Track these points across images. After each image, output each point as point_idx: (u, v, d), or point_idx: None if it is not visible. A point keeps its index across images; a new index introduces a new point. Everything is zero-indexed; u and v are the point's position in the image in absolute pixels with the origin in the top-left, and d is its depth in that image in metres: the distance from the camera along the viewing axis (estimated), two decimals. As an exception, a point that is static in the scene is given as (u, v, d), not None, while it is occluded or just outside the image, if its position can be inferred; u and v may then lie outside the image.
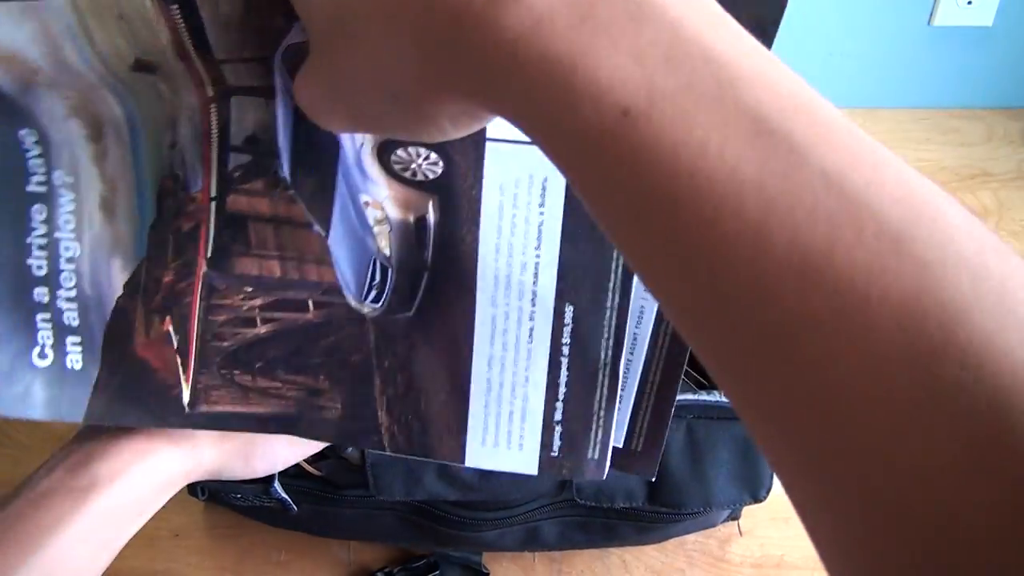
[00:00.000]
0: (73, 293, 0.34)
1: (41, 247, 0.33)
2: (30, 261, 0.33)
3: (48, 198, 0.32)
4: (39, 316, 0.34)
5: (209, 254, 0.33)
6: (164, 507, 0.61)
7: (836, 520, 0.17)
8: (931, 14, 0.85)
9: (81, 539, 0.33)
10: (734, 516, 0.57)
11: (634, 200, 0.18)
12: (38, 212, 0.33)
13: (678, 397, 0.43)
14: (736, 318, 0.17)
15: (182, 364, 0.35)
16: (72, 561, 0.33)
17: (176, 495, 0.60)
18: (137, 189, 0.33)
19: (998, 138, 0.90)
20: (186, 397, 0.36)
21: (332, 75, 0.22)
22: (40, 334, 0.35)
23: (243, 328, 0.35)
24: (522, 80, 0.18)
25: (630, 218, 0.18)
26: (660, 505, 0.47)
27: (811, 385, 0.16)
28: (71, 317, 0.34)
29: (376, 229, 0.33)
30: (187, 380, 0.35)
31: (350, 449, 0.43)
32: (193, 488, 0.54)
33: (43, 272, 0.34)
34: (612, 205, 0.18)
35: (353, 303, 0.34)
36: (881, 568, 0.16)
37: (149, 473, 0.35)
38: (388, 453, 0.37)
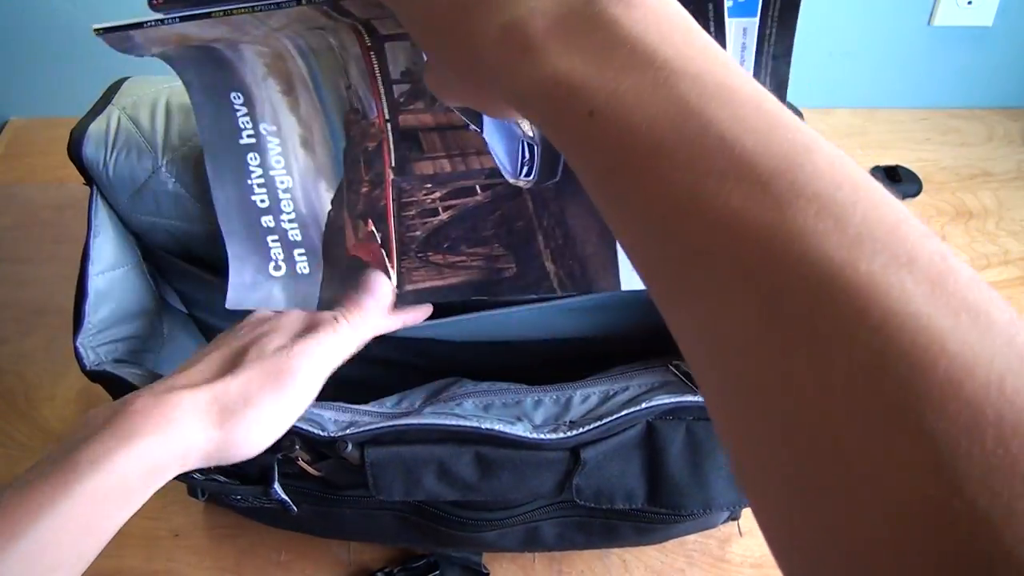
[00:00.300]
0: (292, 216, 0.43)
1: (260, 185, 0.42)
2: (253, 197, 0.42)
3: (258, 147, 0.41)
4: (269, 238, 0.44)
5: (393, 164, 0.42)
6: (164, 507, 0.61)
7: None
8: (931, 14, 0.85)
9: (62, 526, 0.33)
10: (734, 516, 0.57)
11: (594, 169, 0.24)
12: (252, 159, 0.41)
13: (678, 399, 0.43)
14: (651, 248, 0.22)
15: (387, 255, 0.44)
16: (55, 547, 0.33)
17: (176, 495, 0.60)
18: (329, 126, 0.41)
19: (998, 138, 0.90)
20: (394, 280, 0.44)
21: (441, 77, 0.31)
22: (272, 251, 0.44)
23: (429, 217, 0.43)
24: (531, 90, 0.25)
25: (591, 180, 0.24)
26: (660, 507, 0.47)
27: (695, 299, 0.21)
28: (294, 234, 0.44)
29: (518, 118, 0.40)
30: (392, 267, 0.44)
31: (349, 448, 0.43)
32: (193, 489, 0.54)
33: (266, 204, 0.43)
34: (582, 171, 0.24)
35: (511, 180, 0.42)
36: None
37: (132, 458, 0.35)
38: (560, 295, 0.44)
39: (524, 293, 0.45)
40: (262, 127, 0.40)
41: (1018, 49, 0.88)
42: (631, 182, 0.22)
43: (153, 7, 0.35)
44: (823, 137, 0.21)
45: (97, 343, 0.45)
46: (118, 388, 0.45)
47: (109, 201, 0.47)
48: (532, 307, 0.47)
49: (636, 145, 0.22)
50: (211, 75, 0.40)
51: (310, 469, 0.45)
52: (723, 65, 0.23)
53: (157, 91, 0.48)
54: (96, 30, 0.35)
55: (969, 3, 0.84)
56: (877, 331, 0.16)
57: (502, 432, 0.42)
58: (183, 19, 0.35)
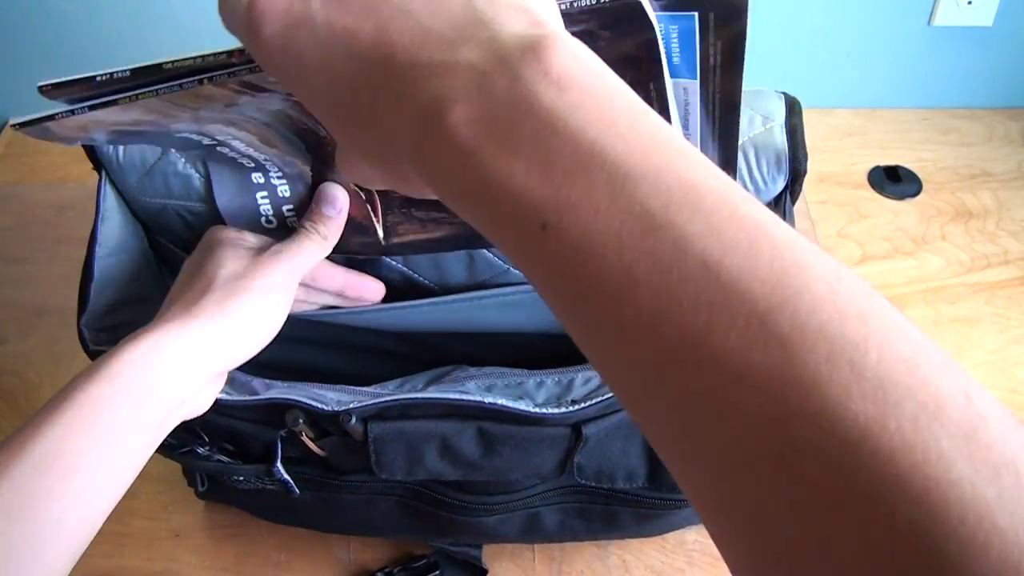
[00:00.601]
0: (279, 173, 0.44)
1: (241, 155, 0.42)
2: (240, 160, 0.43)
3: (223, 144, 0.41)
4: (259, 194, 0.45)
5: None
6: (164, 507, 0.61)
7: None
8: (931, 14, 0.85)
9: (68, 431, 0.34)
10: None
11: (559, 294, 0.21)
12: (222, 149, 0.42)
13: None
14: (639, 393, 0.20)
15: (372, 210, 0.45)
16: (69, 452, 0.33)
17: (176, 495, 0.60)
18: (282, 136, 0.41)
19: (998, 138, 0.90)
20: (380, 234, 0.46)
21: (353, 162, 0.28)
22: (262, 207, 0.46)
23: None
24: (466, 198, 0.22)
25: (558, 307, 0.21)
26: (660, 487, 0.48)
27: (699, 452, 0.19)
28: (283, 190, 0.45)
29: None
30: (378, 221, 0.45)
31: (352, 421, 0.43)
32: (193, 476, 0.54)
33: (251, 164, 0.43)
34: (545, 293, 0.22)
35: None
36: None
37: (134, 358, 0.36)
38: None
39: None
40: (217, 136, 0.40)
41: (1018, 49, 0.88)
42: (605, 314, 0.20)
43: (42, 93, 0.34)
44: (797, 236, 0.19)
45: (101, 326, 0.46)
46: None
47: (118, 186, 0.48)
48: (519, 291, 0.47)
49: (605, 270, 0.19)
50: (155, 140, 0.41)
51: (313, 446, 0.45)
52: (680, 154, 0.20)
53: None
54: (14, 126, 0.35)
55: (969, 3, 0.84)
56: (919, 504, 0.15)
57: (505, 406, 0.43)
58: (92, 108, 0.33)
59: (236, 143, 0.41)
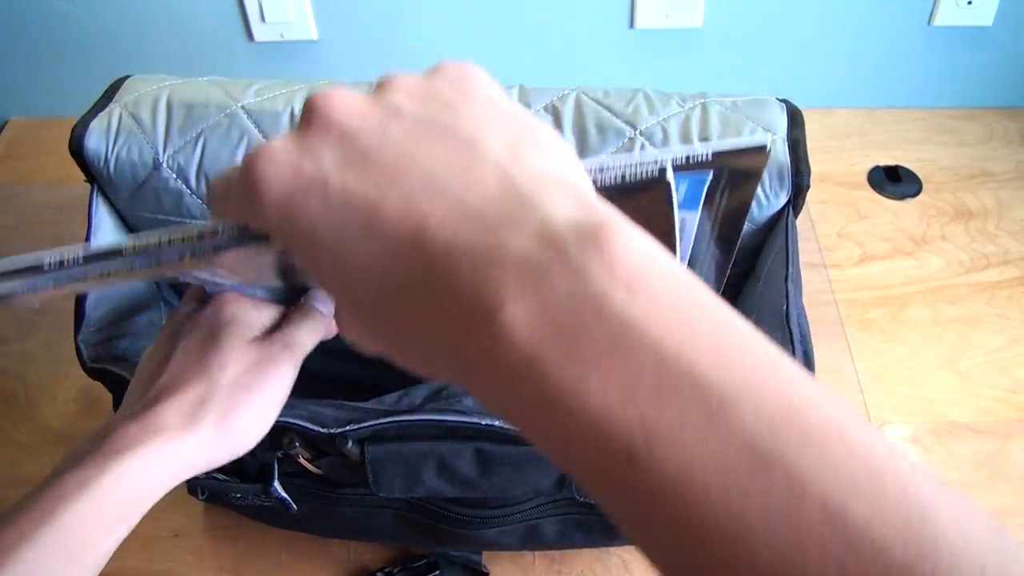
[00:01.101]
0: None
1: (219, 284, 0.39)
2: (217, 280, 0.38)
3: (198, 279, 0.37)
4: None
5: None
6: (164, 507, 0.61)
7: None
8: (931, 14, 0.85)
9: (47, 552, 0.32)
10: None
11: (650, 536, 0.18)
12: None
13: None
14: None
15: None
16: (47, 571, 0.32)
17: (176, 495, 0.60)
18: (264, 281, 0.37)
19: (998, 138, 0.90)
20: None
21: (360, 338, 0.24)
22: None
23: None
24: (527, 413, 0.19)
25: (650, 549, 0.18)
26: None
27: None
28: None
29: None
30: None
31: (349, 445, 0.43)
32: (193, 488, 0.54)
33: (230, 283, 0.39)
34: (633, 532, 0.19)
35: None
36: None
37: (122, 477, 0.34)
38: None
39: None
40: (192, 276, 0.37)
41: (1018, 49, 0.88)
42: (713, 565, 0.17)
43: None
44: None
45: (97, 340, 0.46)
46: (118, 385, 0.45)
47: (110, 199, 0.47)
48: None
49: (710, 514, 0.16)
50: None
51: (310, 467, 0.45)
52: (776, 368, 0.18)
53: (159, 88, 0.48)
54: None
55: (969, 3, 0.84)
56: None
57: (502, 428, 0.42)
58: (56, 286, 0.29)
59: (205, 276, 0.38)
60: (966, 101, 0.93)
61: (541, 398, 0.18)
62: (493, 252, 0.19)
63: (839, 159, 0.88)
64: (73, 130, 0.46)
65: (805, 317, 0.41)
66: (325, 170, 0.21)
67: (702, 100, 0.47)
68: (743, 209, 0.34)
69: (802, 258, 0.44)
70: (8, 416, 0.67)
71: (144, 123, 0.47)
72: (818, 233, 0.80)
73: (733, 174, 0.32)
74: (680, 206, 0.33)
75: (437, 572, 0.56)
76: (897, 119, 0.92)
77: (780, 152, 0.44)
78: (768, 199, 0.45)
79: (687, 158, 0.30)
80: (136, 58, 0.88)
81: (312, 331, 0.41)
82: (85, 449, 0.36)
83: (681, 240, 0.35)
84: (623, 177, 0.28)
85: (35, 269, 0.28)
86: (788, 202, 0.45)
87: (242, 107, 0.47)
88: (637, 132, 0.46)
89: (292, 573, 0.57)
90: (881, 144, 0.89)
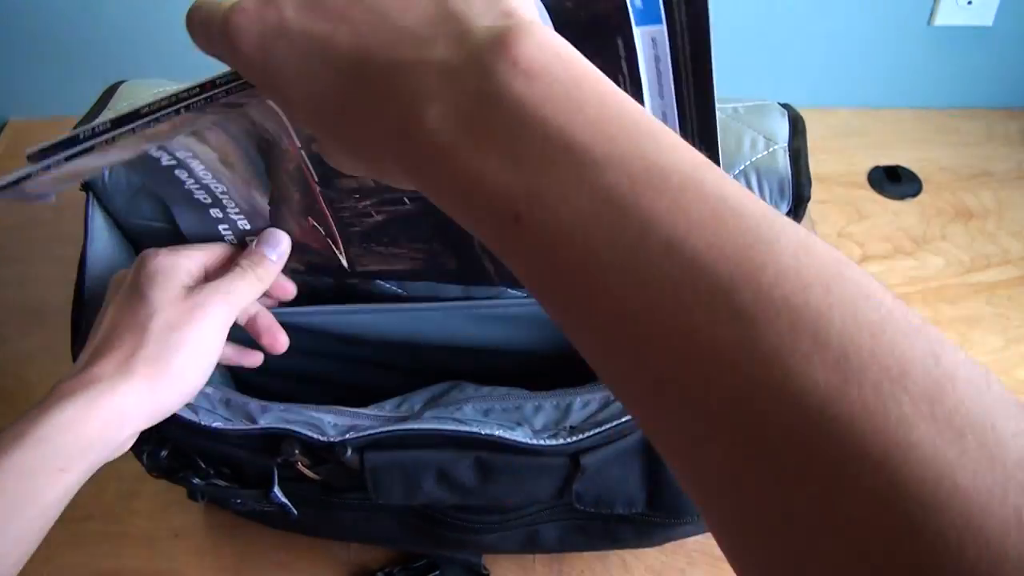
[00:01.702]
0: (236, 208, 0.44)
1: (198, 188, 0.43)
2: (196, 195, 0.43)
3: (180, 166, 0.41)
4: (220, 227, 0.45)
5: (317, 179, 0.42)
6: (164, 507, 0.61)
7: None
8: (931, 14, 0.85)
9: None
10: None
11: (538, 286, 0.21)
12: (181, 173, 0.42)
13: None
14: (622, 377, 0.20)
15: (333, 244, 0.45)
16: None
17: (176, 495, 0.60)
18: (242, 149, 0.41)
19: (998, 138, 0.90)
20: (345, 263, 0.47)
21: (334, 153, 0.29)
22: (225, 236, 0.46)
23: (364, 218, 0.43)
24: (445, 193, 0.23)
25: (540, 298, 0.22)
26: (660, 512, 0.47)
27: (673, 427, 0.19)
28: (243, 223, 0.45)
29: None
30: (341, 253, 0.46)
31: (349, 454, 0.43)
32: (192, 493, 0.54)
33: (208, 200, 0.44)
34: (528, 285, 0.22)
35: None
36: None
37: (59, 427, 0.35)
38: (499, 285, 0.47)
39: (466, 283, 0.47)
40: (177, 153, 0.40)
41: (1018, 49, 0.88)
42: (580, 301, 0.20)
43: (29, 158, 0.33)
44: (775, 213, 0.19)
45: None
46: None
47: (106, 206, 0.47)
48: (514, 303, 0.47)
49: (573, 256, 0.20)
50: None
51: (309, 473, 0.45)
52: (649, 136, 0.20)
53: (154, 95, 0.48)
54: None
55: (969, 3, 0.84)
56: (881, 467, 0.15)
57: (502, 438, 0.42)
58: (68, 159, 0.33)
59: (195, 164, 0.41)
60: (966, 101, 0.93)
61: (455, 179, 0.22)
62: (421, 64, 0.23)
63: (839, 159, 0.88)
64: None
65: None
66: (287, 17, 0.25)
67: None
68: (703, 14, 0.33)
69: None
70: (8, 416, 0.67)
71: None
72: (818, 233, 0.80)
73: None
74: (640, 21, 0.33)
75: (437, 572, 0.56)
76: (897, 119, 0.92)
77: (780, 162, 0.44)
78: None
79: None
80: (136, 59, 0.88)
81: (255, 280, 0.42)
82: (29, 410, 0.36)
83: (660, 60, 0.35)
84: None
85: (71, 140, 0.32)
86: (788, 213, 0.45)
87: None
88: None
89: (292, 573, 0.57)
90: (881, 144, 0.89)
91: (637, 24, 0.33)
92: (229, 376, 0.54)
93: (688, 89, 0.36)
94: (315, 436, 0.43)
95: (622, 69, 0.34)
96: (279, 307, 0.48)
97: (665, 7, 0.33)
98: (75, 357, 0.44)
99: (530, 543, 0.52)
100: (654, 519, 0.49)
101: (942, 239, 0.79)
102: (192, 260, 0.42)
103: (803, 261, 0.18)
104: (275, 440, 0.44)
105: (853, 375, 0.16)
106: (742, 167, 0.44)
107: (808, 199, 0.44)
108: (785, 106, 0.47)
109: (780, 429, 0.16)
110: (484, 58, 0.22)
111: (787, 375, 0.16)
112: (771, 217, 0.19)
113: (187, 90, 0.31)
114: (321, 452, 0.44)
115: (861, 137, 0.90)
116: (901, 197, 0.84)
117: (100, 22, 0.86)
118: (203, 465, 0.46)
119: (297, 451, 0.43)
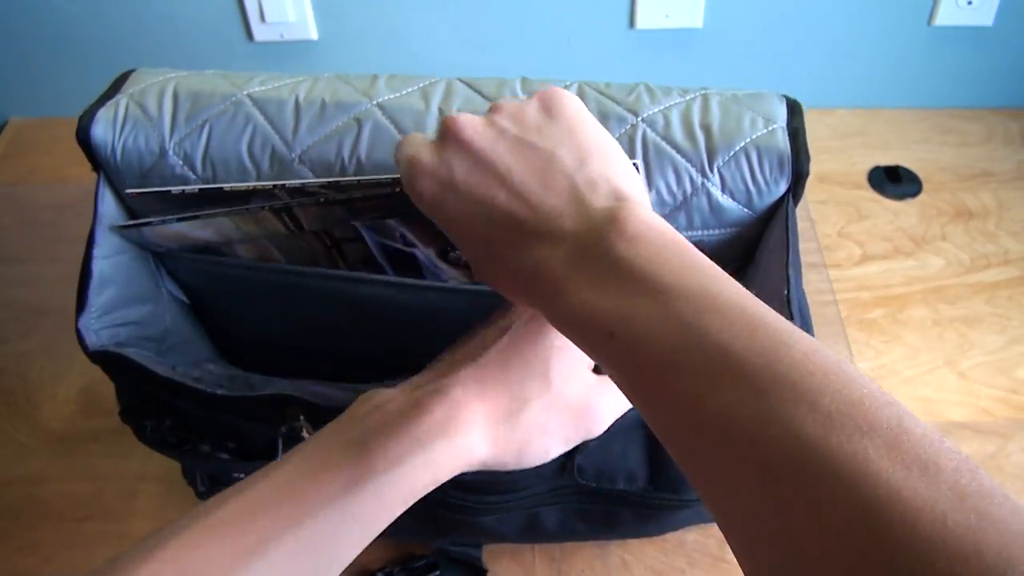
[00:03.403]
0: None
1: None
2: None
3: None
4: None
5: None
6: (164, 507, 0.61)
7: None
8: (931, 14, 0.85)
9: (349, 520, 0.34)
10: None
11: (627, 382, 0.29)
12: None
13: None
14: (679, 432, 0.27)
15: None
16: (335, 540, 0.34)
17: (176, 496, 0.60)
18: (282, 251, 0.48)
19: (998, 138, 0.90)
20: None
21: (483, 274, 0.36)
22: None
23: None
24: (559, 314, 0.31)
25: (629, 393, 0.29)
26: (661, 488, 0.48)
27: (716, 471, 0.25)
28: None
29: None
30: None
31: None
32: (193, 478, 0.54)
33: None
34: (620, 386, 0.30)
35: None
36: None
37: (427, 465, 0.35)
38: None
39: None
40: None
41: (1018, 49, 0.88)
42: (652, 390, 0.27)
43: (130, 198, 0.45)
44: (798, 331, 0.26)
45: (100, 326, 0.46)
46: (120, 369, 0.45)
47: (116, 187, 0.48)
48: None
49: (650, 360, 0.27)
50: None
51: None
52: (713, 278, 0.28)
53: (165, 80, 0.49)
54: (114, 227, 0.46)
55: (969, 3, 0.84)
56: (851, 489, 0.21)
57: None
58: (179, 220, 0.44)
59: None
60: (966, 101, 0.93)
61: (565, 303, 0.30)
62: (555, 233, 0.32)
63: (839, 159, 0.88)
64: (80, 119, 0.47)
65: (806, 302, 0.42)
66: (457, 177, 0.34)
67: (703, 92, 0.48)
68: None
69: (802, 258, 0.44)
70: (8, 416, 0.67)
71: (151, 112, 0.47)
72: (818, 233, 0.80)
73: None
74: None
75: (437, 572, 0.56)
76: (897, 119, 0.92)
77: (780, 140, 0.45)
78: (768, 186, 0.45)
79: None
80: (136, 58, 0.87)
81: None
82: (392, 415, 0.36)
83: None
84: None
85: (164, 192, 0.46)
86: (788, 188, 0.45)
87: (247, 95, 0.47)
88: (639, 119, 0.46)
89: (292, 573, 0.57)
90: (881, 144, 0.89)
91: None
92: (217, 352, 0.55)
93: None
94: (319, 403, 0.43)
95: None
96: (286, 264, 0.49)
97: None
98: (79, 335, 0.44)
99: (530, 528, 0.52)
100: (654, 500, 0.49)
101: (942, 239, 0.79)
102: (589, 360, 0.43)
103: (811, 358, 0.24)
104: (279, 406, 0.44)
105: (834, 430, 0.22)
106: (742, 144, 0.45)
107: (807, 175, 0.45)
108: (783, 95, 0.48)
109: (782, 468, 0.23)
110: (600, 229, 0.30)
111: (786, 431, 0.23)
112: (793, 330, 0.26)
113: (262, 186, 0.40)
114: (326, 419, 0.44)
115: (861, 137, 0.90)
116: (901, 197, 0.84)
117: (100, 22, 0.86)
118: (208, 437, 0.47)
119: (302, 417, 0.44)
